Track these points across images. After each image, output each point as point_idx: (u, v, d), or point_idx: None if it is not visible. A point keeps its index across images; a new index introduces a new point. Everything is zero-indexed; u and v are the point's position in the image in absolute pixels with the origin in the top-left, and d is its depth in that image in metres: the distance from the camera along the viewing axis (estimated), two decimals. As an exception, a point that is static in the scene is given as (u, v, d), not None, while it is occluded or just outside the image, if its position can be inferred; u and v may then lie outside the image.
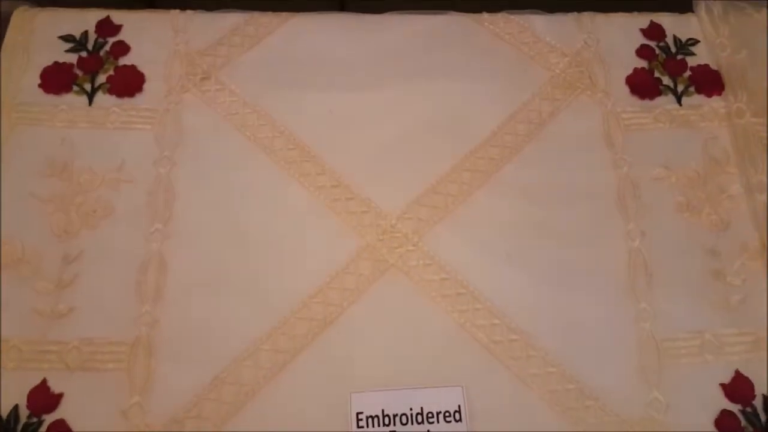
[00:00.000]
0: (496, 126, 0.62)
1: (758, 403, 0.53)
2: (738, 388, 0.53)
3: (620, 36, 0.68)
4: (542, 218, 0.58)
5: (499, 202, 0.59)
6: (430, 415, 0.50)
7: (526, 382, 0.52)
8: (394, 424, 0.50)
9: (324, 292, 0.55)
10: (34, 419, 0.49)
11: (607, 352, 0.54)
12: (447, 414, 0.50)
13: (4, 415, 0.49)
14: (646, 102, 0.65)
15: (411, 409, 0.50)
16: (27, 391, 0.50)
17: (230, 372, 0.51)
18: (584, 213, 0.59)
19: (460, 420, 0.50)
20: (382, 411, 0.50)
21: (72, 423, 0.49)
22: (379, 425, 0.50)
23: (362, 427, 0.50)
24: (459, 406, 0.50)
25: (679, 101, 0.65)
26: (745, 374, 0.53)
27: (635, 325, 0.55)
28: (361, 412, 0.50)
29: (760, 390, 0.53)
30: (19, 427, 0.49)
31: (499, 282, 0.55)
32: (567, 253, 0.57)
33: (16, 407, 0.49)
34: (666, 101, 0.65)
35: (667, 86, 0.65)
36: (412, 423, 0.50)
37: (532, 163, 0.61)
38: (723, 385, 0.53)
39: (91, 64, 0.63)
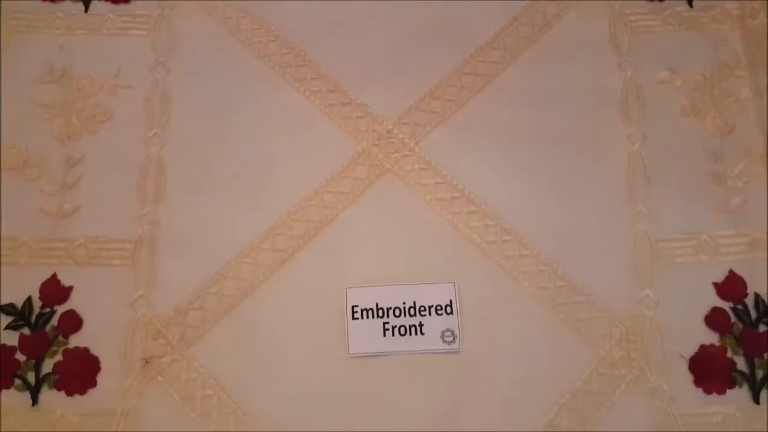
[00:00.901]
0: (498, 28, 0.61)
1: (750, 301, 0.53)
2: (730, 286, 0.53)
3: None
4: (541, 122, 0.58)
5: (498, 106, 0.58)
6: (422, 308, 0.52)
7: (518, 280, 0.53)
8: (387, 317, 0.52)
9: (320, 195, 0.55)
10: (47, 309, 0.52)
11: (600, 253, 0.54)
12: (439, 308, 0.52)
13: (19, 305, 0.52)
14: (656, 4, 0.63)
15: (404, 303, 0.52)
16: (39, 285, 0.52)
17: (230, 268, 0.53)
18: (585, 117, 0.58)
19: (452, 313, 0.52)
20: (376, 304, 0.52)
21: (82, 313, 0.52)
22: (373, 317, 0.52)
23: (357, 318, 0.52)
24: (451, 301, 0.52)
25: (690, 2, 0.63)
26: (739, 273, 0.53)
27: (631, 227, 0.55)
28: (356, 305, 0.52)
29: (752, 289, 0.53)
30: (33, 316, 0.52)
31: (494, 185, 0.55)
32: (565, 156, 0.57)
33: (29, 299, 0.52)
34: (676, 3, 0.63)
35: (679, -13, 0.65)
36: (404, 315, 0.52)
37: (533, 67, 0.60)
38: (716, 284, 0.53)
39: None
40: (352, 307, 0.52)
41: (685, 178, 0.57)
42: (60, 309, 0.52)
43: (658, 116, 0.59)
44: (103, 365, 0.50)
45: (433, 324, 0.51)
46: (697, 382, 0.50)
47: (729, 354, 0.51)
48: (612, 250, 0.54)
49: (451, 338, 0.51)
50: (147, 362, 0.51)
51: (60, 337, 0.51)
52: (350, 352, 0.51)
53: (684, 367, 0.51)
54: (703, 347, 0.51)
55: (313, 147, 0.57)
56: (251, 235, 0.54)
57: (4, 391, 0.50)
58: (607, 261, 0.54)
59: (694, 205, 0.56)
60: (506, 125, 0.58)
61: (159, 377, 0.50)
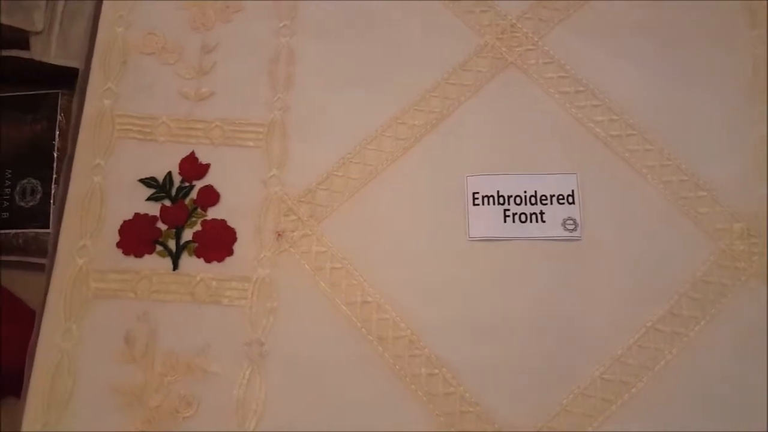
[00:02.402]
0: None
1: None
2: None
3: None
4: (666, 18, 0.57)
5: (622, 2, 0.58)
6: (543, 197, 0.53)
7: (641, 173, 0.53)
8: (508, 204, 0.53)
9: (442, 86, 0.57)
10: (186, 184, 0.55)
11: (723, 150, 0.54)
12: (560, 197, 0.53)
13: (160, 179, 0.55)
14: None
15: (525, 192, 0.53)
16: (178, 161, 0.55)
17: (356, 153, 0.55)
18: (710, 15, 0.57)
19: (573, 203, 0.53)
20: (497, 192, 0.53)
21: (219, 188, 0.55)
22: (493, 204, 0.53)
23: (477, 205, 0.53)
24: (573, 191, 0.53)
25: None
26: None
27: (754, 126, 0.54)
28: (477, 192, 0.53)
29: None
30: (173, 189, 0.55)
31: (618, 80, 0.55)
32: (690, 54, 0.56)
33: (169, 173, 0.55)
34: None
35: None
36: (525, 204, 0.53)
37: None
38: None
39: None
40: (473, 194, 0.53)
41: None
42: (198, 184, 0.55)
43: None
44: (239, 236, 0.53)
45: (555, 213, 0.53)
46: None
47: None
48: (735, 147, 0.54)
49: (573, 226, 0.53)
50: (280, 235, 0.53)
51: (199, 210, 0.54)
52: (470, 236, 0.53)
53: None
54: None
55: (436, 40, 0.58)
56: (375, 123, 0.56)
57: (147, 256, 0.53)
58: (730, 158, 0.54)
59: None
60: (630, 21, 0.57)
61: (291, 249, 0.53)
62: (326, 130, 0.56)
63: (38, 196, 0.61)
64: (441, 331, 0.51)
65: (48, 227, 0.60)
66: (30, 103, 0.63)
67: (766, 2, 0.58)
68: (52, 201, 0.61)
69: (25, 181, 0.62)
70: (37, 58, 0.63)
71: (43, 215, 0.60)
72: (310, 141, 0.55)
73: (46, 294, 0.53)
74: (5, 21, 0.62)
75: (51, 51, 0.64)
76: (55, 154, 0.62)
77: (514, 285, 0.51)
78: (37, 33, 0.63)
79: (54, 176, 0.61)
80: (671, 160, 0.53)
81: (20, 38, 0.64)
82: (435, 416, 0.49)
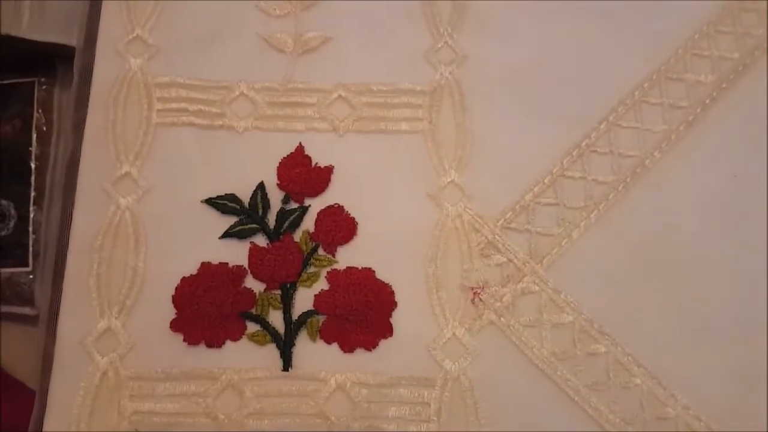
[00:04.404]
0: None
1: None
2: None
3: None
4: None
5: None
6: None
7: None
8: None
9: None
10: (294, 205, 0.30)
11: None
12: None
13: (245, 200, 0.30)
14: None
15: None
16: (275, 164, 0.30)
17: (600, 136, 0.31)
18: None
19: None
20: None
21: (352, 210, 0.30)
22: None
23: None
24: None
25: None
26: None
27: None
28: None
29: None
30: (271, 215, 0.30)
31: None
32: None
33: (261, 186, 0.31)
34: None
35: None
36: None
37: None
38: None
39: None
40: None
41: None
42: (315, 204, 0.30)
43: None
44: (399, 299, 0.29)
45: None
46: None
47: None
48: None
49: None
50: (476, 294, 0.29)
51: (321, 251, 0.30)
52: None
53: None
54: None
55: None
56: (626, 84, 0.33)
57: (230, 344, 0.28)
58: None
59: None
60: None
61: (501, 319, 0.29)
62: (540, 95, 0.33)
63: (11, 223, 0.45)
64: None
65: (27, 264, 0.43)
66: (-5, 96, 0.51)
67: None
68: (30, 229, 0.44)
69: (-8, 203, 0.51)
70: (3, 32, 0.46)
71: (20, 248, 0.43)
72: (512, 115, 0.33)
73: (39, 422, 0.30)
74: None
75: (22, 22, 0.47)
76: (33, 164, 0.46)
77: None
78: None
79: (32, 194, 0.44)
80: None
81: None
82: None
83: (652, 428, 0.29)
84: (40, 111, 0.48)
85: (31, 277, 0.41)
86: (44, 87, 0.49)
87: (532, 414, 0.29)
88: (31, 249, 0.44)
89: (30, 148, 0.46)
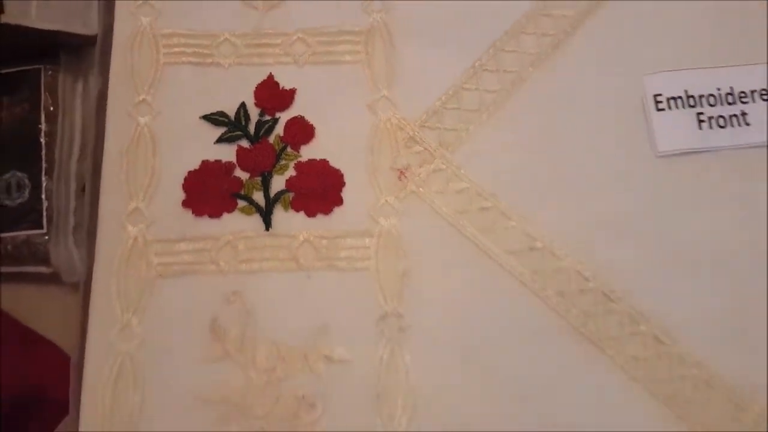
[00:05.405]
0: None
1: None
2: None
3: None
4: None
5: None
6: (742, 94, 0.41)
7: None
8: (701, 106, 0.42)
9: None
10: (267, 117, 0.41)
11: None
12: (764, 93, 0.42)
13: (231, 114, 0.41)
14: None
15: (718, 89, 0.42)
16: (253, 88, 0.41)
17: (489, 58, 0.42)
18: None
19: (785, 97, 0.43)
20: (685, 92, 0.41)
21: (311, 119, 0.41)
22: (683, 107, 0.41)
23: (662, 110, 0.41)
24: (781, 82, 0.43)
25: None
26: None
27: None
28: (660, 94, 0.41)
29: None
30: (251, 125, 0.41)
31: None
32: None
33: (243, 105, 0.41)
34: None
35: None
36: (721, 104, 0.42)
37: None
38: None
39: None
40: (655, 96, 0.41)
41: None
42: (283, 116, 0.41)
43: None
44: (347, 179, 0.40)
45: (759, 112, 0.42)
46: None
47: None
48: None
49: (778, 130, 0.42)
50: (402, 173, 0.40)
51: (289, 149, 0.41)
52: (659, 150, 0.40)
53: None
54: None
55: None
56: (510, 17, 0.43)
57: (226, 215, 0.39)
58: None
59: None
60: None
61: (420, 189, 0.40)
62: (445, 31, 0.43)
63: (26, 192, 0.49)
64: (637, 276, 0.38)
65: (41, 227, 0.47)
66: (5, 83, 0.51)
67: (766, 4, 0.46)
68: (43, 196, 0.48)
69: (8, 175, 0.49)
70: (12, 22, 0.48)
71: (34, 213, 0.47)
72: (426, 47, 0.43)
73: (89, 280, 0.39)
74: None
75: (31, 12, 0.49)
76: (43, 140, 0.50)
77: (714, 205, 0.39)
78: (9, -9, 0.51)
79: (44, 166, 0.48)
80: None
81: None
82: (646, 388, 0.37)
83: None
84: (46, 93, 0.51)
85: (46, 237, 0.45)
86: (50, 72, 0.52)
87: (443, 254, 0.39)
88: (45, 213, 0.48)
89: (39, 126, 0.50)
